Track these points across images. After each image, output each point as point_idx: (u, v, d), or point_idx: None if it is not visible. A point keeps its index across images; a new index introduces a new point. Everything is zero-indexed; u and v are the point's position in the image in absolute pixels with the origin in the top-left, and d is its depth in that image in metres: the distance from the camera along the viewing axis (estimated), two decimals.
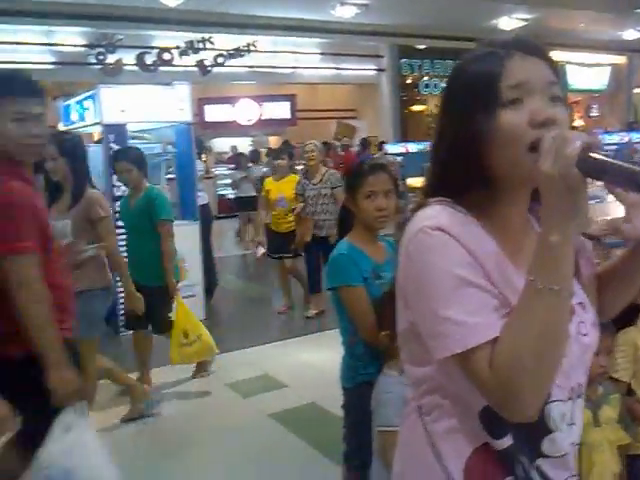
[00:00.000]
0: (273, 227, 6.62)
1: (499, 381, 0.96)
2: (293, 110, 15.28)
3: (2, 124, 2.16)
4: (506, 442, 1.07)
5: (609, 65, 18.50)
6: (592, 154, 0.91)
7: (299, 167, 6.68)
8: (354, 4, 11.42)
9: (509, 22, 13.27)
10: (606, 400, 2.33)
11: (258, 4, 10.79)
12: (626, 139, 12.19)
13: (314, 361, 5.06)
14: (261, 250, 6.78)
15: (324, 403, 4.11)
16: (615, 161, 0.90)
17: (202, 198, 6.93)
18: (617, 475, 2.29)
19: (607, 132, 13.24)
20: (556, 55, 1.13)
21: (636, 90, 19.01)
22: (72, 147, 3.68)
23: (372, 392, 2.18)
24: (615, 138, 12.21)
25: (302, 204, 6.08)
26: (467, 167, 1.08)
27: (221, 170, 13.52)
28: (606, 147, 10.12)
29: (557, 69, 1.10)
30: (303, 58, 13.09)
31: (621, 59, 18.35)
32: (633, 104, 18.96)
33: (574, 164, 0.90)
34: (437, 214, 1.08)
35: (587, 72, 17.86)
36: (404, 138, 13.22)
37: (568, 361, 1.02)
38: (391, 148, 10.89)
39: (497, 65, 1.06)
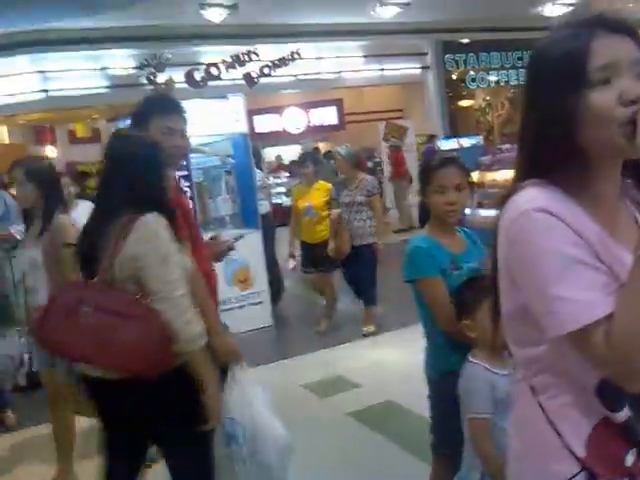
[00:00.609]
0: (304, 239, 6.26)
1: (618, 355, 0.98)
2: (340, 115, 15.33)
3: (155, 136, 2.49)
4: (624, 414, 1.08)
5: None
6: None
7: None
8: (395, 4, 11.39)
9: (553, 9, 12.98)
10: None
11: (299, 12, 10.90)
12: None
13: (384, 360, 5.09)
14: (292, 263, 6.35)
15: (400, 400, 4.14)
16: None
17: (264, 207, 7.01)
18: None
19: None
20: None
21: None
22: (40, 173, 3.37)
23: (456, 381, 2.20)
24: None
25: (338, 210, 5.78)
26: (558, 149, 1.09)
27: (272, 179, 13.70)
28: None
29: None
30: (347, 62, 13.11)
31: None
32: None
33: None
34: (536, 196, 1.09)
35: None
36: (454, 135, 13.09)
37: None
38: (444, 144, 10.76)
39: (583, 46, 1.05)
